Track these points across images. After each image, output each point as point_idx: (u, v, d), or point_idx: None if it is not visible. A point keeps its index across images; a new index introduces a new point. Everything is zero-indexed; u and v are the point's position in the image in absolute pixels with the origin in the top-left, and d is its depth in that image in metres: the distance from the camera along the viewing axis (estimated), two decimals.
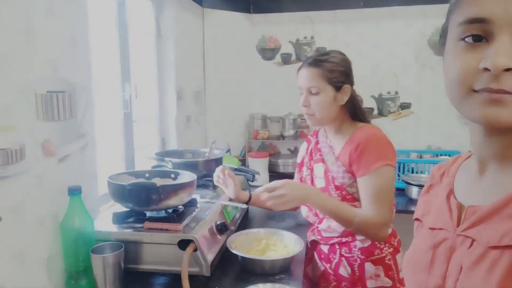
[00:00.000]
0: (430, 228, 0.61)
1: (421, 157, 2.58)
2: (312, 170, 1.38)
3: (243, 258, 1.16)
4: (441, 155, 2.62)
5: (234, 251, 1.17)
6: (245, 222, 1.57)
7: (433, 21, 2.59)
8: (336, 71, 1.26)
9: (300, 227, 1.49)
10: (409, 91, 2.73)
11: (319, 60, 1.26)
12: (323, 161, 1.34)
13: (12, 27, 0.91)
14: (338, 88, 1.26)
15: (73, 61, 1.13)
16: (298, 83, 1.31)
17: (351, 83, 1.30)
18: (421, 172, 2.41)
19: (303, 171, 1.44)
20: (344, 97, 1.27)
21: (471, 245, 0.51)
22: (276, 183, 1.20)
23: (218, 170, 1.45)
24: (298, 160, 1.50)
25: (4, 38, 0.88)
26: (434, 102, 2.68)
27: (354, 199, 1.26)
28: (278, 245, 1.29)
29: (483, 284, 0.46)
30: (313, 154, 1.39)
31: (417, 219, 0.69)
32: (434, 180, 0.68)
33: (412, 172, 2.42)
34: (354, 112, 1.32)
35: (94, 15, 1.34)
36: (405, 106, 2.74)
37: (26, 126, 0.95)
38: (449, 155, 2.56)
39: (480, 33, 0.47)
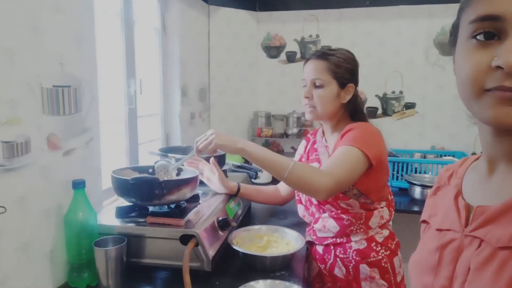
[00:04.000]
0: (437, 229, 0.59)
1: (424, 157, 2.57)
2: None
3: (244, 254, 1.17)
4: (445, 155, 2.61)
5: (235, 247, 1.18)
6: (247, 219, 1.58)
7: (438, 20, 2.57)
8: (343, 67, 1.25)
9: (302, 224, 1.50)
10: (414, 90, 2.72)
11: (327, 54, 1.26)
12: (318, 160, 1.32)
13: (19, 23, 0.91)
14: (342, 85, 1.25)
15: (79, 56, 1.14)
16: (303, 75, 1.30)
17: (355, 83, 1.29)
18: (424, 172, 2.41)
19: None
20: (347, 96, 1.27)
21: (479, 245, 0.50)
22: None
23: (200, 164, 1.43)
24: (296, 158, 1.48)
25: (11, 33, 0.89)
26: (439, 102, 2.67)
27: (346, 197, 1.22)
28: (279, 242, 1.29)
29: (492, 285, 0.45)
30: (310, 154, 1.38)
31: (424, 221, 0.67)
32: (441, 182, 0.67)
33: (415, 172, 2.42)
34: (355, 112, 1.30)
35: (100, 10, 1.35)
36: (409, 106, 2.73)
37: (32, 119, 0.96)
38: (453, 156, 2.55)
39: (492, 31, 0.46)
